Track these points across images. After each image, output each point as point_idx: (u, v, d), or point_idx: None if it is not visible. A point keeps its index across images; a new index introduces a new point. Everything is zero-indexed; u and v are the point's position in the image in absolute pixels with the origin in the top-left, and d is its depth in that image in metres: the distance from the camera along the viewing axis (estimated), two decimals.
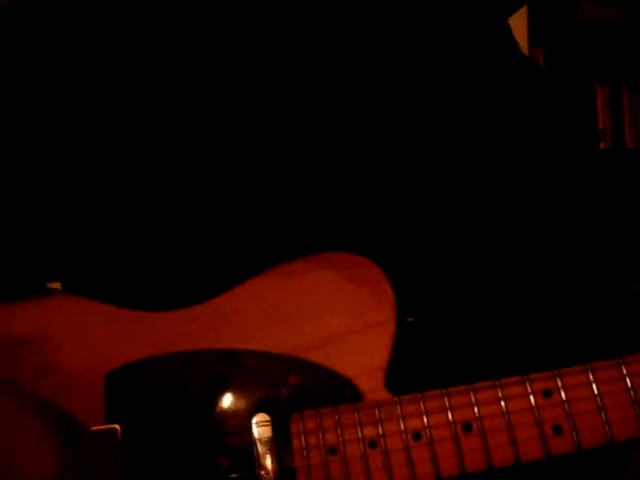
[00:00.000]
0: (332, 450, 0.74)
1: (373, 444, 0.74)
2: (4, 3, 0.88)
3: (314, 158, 0.84)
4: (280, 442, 0.74)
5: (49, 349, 0.79)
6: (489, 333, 0.83)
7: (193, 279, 0.83)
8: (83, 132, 0.85)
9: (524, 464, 0.72)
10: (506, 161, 0.86)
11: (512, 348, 0.81)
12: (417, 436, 0.73)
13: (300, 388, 0.76)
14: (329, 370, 0.76)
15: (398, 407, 0.74)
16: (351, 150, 0.84)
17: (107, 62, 0.84)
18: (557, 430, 0.72)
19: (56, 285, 0.89)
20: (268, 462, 0.73)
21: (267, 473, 0.73)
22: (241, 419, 0.75)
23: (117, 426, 0.75)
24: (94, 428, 0.75)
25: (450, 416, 0.73)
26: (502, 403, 0.73)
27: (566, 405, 0.72)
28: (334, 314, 0.77)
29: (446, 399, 0.74)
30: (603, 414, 0.71)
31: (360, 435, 0.74)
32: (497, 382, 0.73)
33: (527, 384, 0.73)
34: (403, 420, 0.74)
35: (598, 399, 0.72)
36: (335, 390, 0.76)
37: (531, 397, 0.73)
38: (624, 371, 0.72)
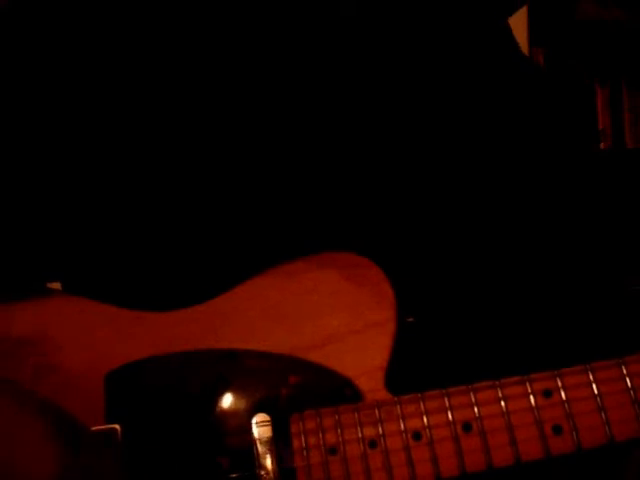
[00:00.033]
0: (332, 450, 0.74)
1: (373, 444, 0.74)
2: (4, 3, 0.88)
3: (314, 158, 0.84)
4: (280, 442, 0.74)
5: (49, 349, 0.79)
6: (489, 333, 0.83)
7: (193, 279, 0.83)
8: (83, 132, 0.85)
9: (524, 464, 0.72)
10: (506, 161, 0.86)
11: (512, 348, 0.81)
12: (417, 436, 0.73)
13: (300, 388, 0.76)
14: (329, 370, 0.76)
15: (398, 407, 0.74)
16: (351, 150, 0.84)
17: (107, 62, 0.84)
18: (557, 430, 0.72)
19: (56, 285, 0.89)
20: (268, 462, 0.73)
21: (267, 473, 0.73)
22: (241, 419, 0.75)
23: (117, 426, 0.75)
24: (94, 428, 0.75)
25: (450, 416, 0.73)
26: (502, 403, 0.73)
27: (566, 405, 0.72)
28: (334, 314, 0.77)
29: (446, 399, 0.74)
30: (603, 414, 0.71)
31: (360, 435, 0.74)
32: (497, 382, 0.73)
33: (527, 384, 0.73)
34: (403, 420, 0.74)
35: (598, 399, 0.72)
36: (335, 390, 0.76)
37: (531, 397, 0.73)
38: (624, 371, 0.72)
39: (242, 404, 0.76)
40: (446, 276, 0.83)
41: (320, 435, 0.74)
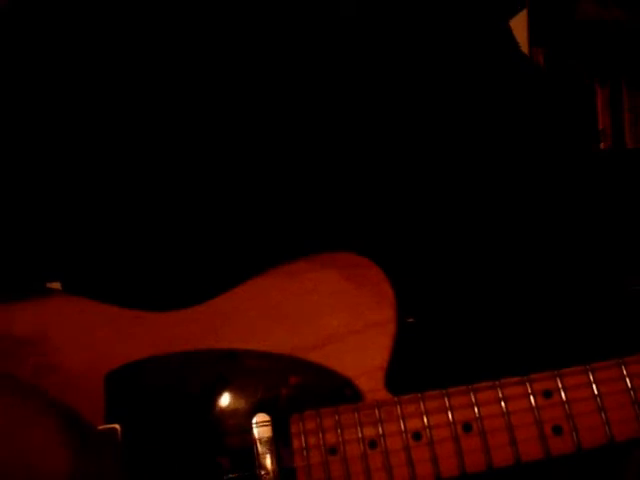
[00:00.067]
0: (332, 450, 0.74)
1: (373, 444, 0.74)
2: (4, 3, 0.88)
3: (314, 158, 0.84)
4: (280, 442, 0.74)
5: (49, 349, 0.79)
6: (489, 333, 0.82)
7: (193, 279, 0.83)
8: (83, 132, 0.85)
9: (524, 464, 0.72)
10: (506, 162, 0.86)
11: (512, 348, 0.81)
12: (417, 436, 0.73)
13: (300, 388, 0.76)
14: (329, 370, 0.76)
15: (398, 407, 0.74)
16: (351, 150, 0.84)
17: (107, 62, 0.84)
18: (557, 430, 0.72)
19: (56, 285, 0.89)
20: (268, 462, 0.74)
21: (267, 473, 0.73)
22: (241, 419, 0.75)
23: (117, 426, 0.75)
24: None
25: (450, 416, 0.73)
26: (502, 403, 0.73)
27: (566, 405, 0.72)
28: (334, 314, 0.77)
29: (446, 399, 0.74)
30: (603, 414, 0.71)
31: (360, 435, 0.74)
32: (497, 382, 0.73)
33: (527, 384, 0.73)
34: (403, 420, 0.74)
35: (598, 399, 0.72)
36: (335, 390, 0.76)
37: (531, 397, 0.73)
38: (624, 371, 0.72)
39: (242, 404, 0.76)
40: (446, 276, 0.83)
41: (320, 435, 0.74)
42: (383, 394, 0.75)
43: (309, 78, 0.84)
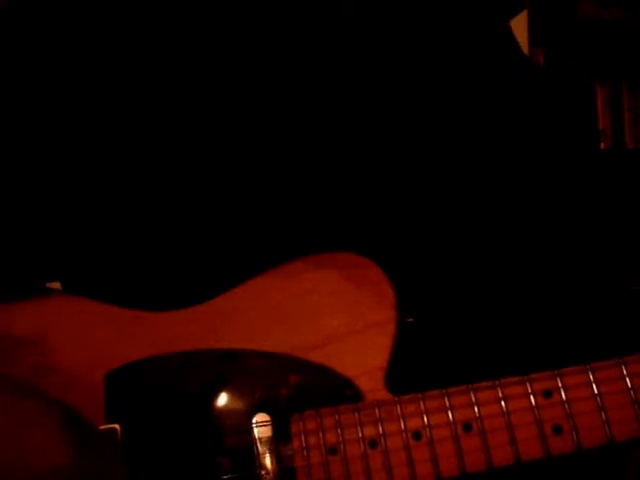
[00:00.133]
0: (332, 450, 0.74)
1: (373, 444, 0.74)
2: (4, 3, 0.88)
3: (314, 158, 0.84)
4: (280, 442, 0.74)
5: (49, 349, 0.79)
6: (489, 333, 0.83)
7: (193, 279, 0.83)
8: (83, 132, 0.85)
9: (524, 464, 0.72)
10: (507, 162, 0.86)
11: (512, 348, 0.81)
12: (417, 436, 0.73)
13: (300, 388, 0.76)
14: (329, 370, 0.76)
15: (398, 407, 0.74)
16: (351, 150, 0.84)
17: (107, 62, 0.84)
18: (557, 430, 0.72)
19: (56, 285, 0.89)
20: (268, 462, 0.74)
21: (267, 473, 0.73)
22: (241, 419, 0.75)
23: (117, 426, 0.75)
24: None
25: (450, 416, 0.73)
26: (502, 403, 0.73)
27: (566, 405, 0.72)
28: (334, 314, 0.77)
29: (446, 399, 0.74)
30: (603, 414, 0.71)
31: (360, 435, 0.74)
32: (497, 382, 0.73)
33: (527, 384, 0.73)
34: (403, 420, 0.74)
35: (598, 399, 0.72)
36: (335, 390, 0.76)
37: (531, 397, 0.73)
38: (624, 371, 0.72)
39: (242, 404, 0.76)
40: (446, 276, 0.83)
41: (320, 435, 0.74)
42: (383, 394, 0.75)
43: (309, 78, 0.84)
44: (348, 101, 0.84)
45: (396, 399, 0.74)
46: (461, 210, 0.84)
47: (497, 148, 0.86)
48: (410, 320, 0.77)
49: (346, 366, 0.76)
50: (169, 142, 0.84)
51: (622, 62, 1.93)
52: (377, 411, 0.74)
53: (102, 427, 0.75)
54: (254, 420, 0.75)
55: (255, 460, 0.74)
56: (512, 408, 0.73)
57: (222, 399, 0.76)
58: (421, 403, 0.74)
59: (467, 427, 0.73)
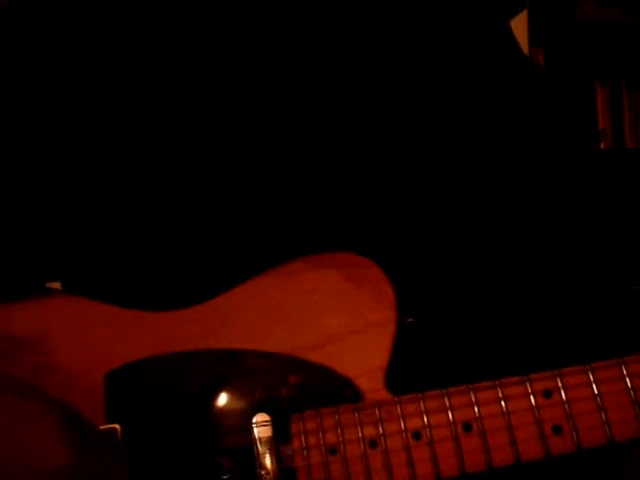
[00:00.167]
0: (332, 450, 0.74)
1: (373, 444, 0.74)
2: (4, 3, 0.88)
3: (314, 158, 0.84)
4: (280, 442, 0.74)
5: (49, 349, 0.79)
6: (489, 333, 0.83)
7: (193, 279, 0.83)
8: (83, 132, 0.85)
9: (524, 464, 0.72)
10: (507, 162, 0.86)
11: (512, 348, 0.81)
12: (417, 436, 0.73)
13: (300, 388, 0.76)
14: (329, 370, 0.76)
15: (398, 407, 0.74)
16: (351, 150, 0.84)
17: (107, 62, 0.84)
18: (557, 430, 0.72)
19: (56, 285, 0.89)
20: (268, 462, 0.74)
21: (267, 473, 0.73)
22: (241, 419, 0.75)
23: (117, 426, 0.75)
24: None
25: (450, 416, 0.73)
26: (502, 403, 0.73)
27: (566, 405, 0.72)
28: (334, 314, 0.77)
29: (446, 399, 0.74)
30: (603, 414, 0.71)
31: (360, 435, 0.74)
32: (497, 382, 0.73)
33: (527, 384, 0.73)
34: (403, 420, 0.74)
35: (598, 399, 0.72)
36: (335, 390, 0.76)
37: (531, 397, 0.73)
38: (624, 371, 0.72)
39: (242, 404, 0.76)
40: (446, 276, 0.83)
41: (320, 435, 0.74)
42: (383, 394, 0.75)
43: (309, 78, 0.84)
44: (348, 101, 0.84)
45: (396, 399, 0.74)
46: (461, 210, 0.84)
47: (497, 148, 0.86)
48: (410, 320, 0.77)
49: (346, 366, 0.76)
50: (169, 142, 0.84)
51: (622, 62, 1.93)
52: (377, 411, 0.74)
53: (102, 427, 0.75)
54: (254, 420, 0.75)
55: (255, 460, 0.74)
56: (512, 408, 0.73)
57: (222, 399, 0.76)
58: (421, 403, 0.74)
59: (467, 427, 0.73)
